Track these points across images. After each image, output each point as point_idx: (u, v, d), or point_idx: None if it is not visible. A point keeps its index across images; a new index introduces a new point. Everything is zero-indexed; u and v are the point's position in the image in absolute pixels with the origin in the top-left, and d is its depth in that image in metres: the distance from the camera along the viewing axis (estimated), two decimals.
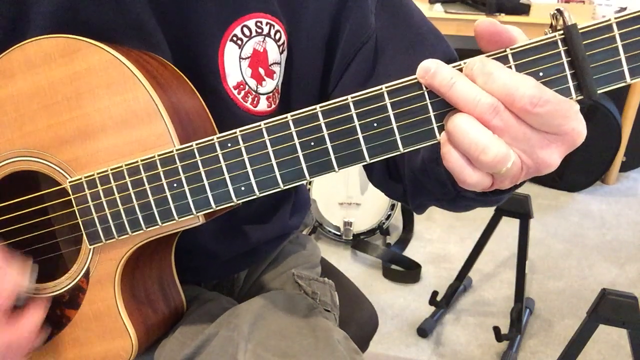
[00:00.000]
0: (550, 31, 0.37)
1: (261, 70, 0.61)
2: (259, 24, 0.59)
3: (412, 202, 0.64)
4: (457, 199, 0.55)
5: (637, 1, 2.33)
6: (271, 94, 0.62)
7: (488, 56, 0.38)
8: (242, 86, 0.60)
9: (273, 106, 0.63)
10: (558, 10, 0.36)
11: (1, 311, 0.49)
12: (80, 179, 0.51)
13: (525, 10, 2.29)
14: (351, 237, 2.05)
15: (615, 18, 0.35)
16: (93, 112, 0.50)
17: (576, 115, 0.37)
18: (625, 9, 2.24)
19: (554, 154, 0.39)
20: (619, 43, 0.36)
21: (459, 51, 0.62)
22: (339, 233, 2.07)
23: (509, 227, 1.75)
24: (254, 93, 0.61)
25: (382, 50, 0.64)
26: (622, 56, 0.36)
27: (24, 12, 0.53)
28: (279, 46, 0.61)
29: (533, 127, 0.37)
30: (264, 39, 0.60)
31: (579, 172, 2.45)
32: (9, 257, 0.51)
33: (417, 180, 0.59)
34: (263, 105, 0.62)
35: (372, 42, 0.63)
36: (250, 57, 0.60)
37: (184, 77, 0.55)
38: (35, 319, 0.52)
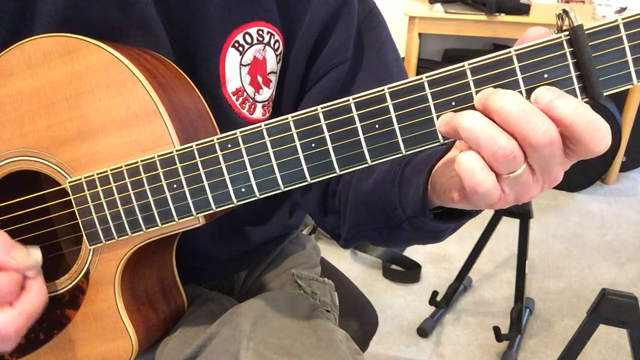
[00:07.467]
0: (556, 32, 0.37)
1: (259, 78, 0.61)
2: (260, 32, 0.59)
3: (347, 232, 0.63)
4: (401, 227, 0.53)
5: (638, 1, 2.32)
6: (266, 103, 0.63)
7: (490, 57, 0.37)
8: (240, 92, 0.60)
9: (267, 115, 0.63)
10: (564, 10, 0.35)
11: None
12: (80, 179, 0.50)
13: (525, 10, 2.28)
14: None
15: (623, 19, 0.35)
16: (93, 112, 0.50)
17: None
18: (625, 9, 2.24)
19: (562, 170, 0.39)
20: (626, 44, 0.35)
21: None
22: None
23: (509, 227, 1.75)
24: (251, 100, 0.61)
25: (352, 78, 0.64)
26: (629, 58, 0.35)
27: (28, 11, 0.53)
28: (276, 56, 0.62)
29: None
30: (264, 47, 0.60)
31: (579, 172, 2.45)
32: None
33: (360, 206, 0.59)
34: (258, 114, 0.62)
35: (347, 65, 0.63)
36: (250, 64, 0.60)
37: (185, 76, 0.55)
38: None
